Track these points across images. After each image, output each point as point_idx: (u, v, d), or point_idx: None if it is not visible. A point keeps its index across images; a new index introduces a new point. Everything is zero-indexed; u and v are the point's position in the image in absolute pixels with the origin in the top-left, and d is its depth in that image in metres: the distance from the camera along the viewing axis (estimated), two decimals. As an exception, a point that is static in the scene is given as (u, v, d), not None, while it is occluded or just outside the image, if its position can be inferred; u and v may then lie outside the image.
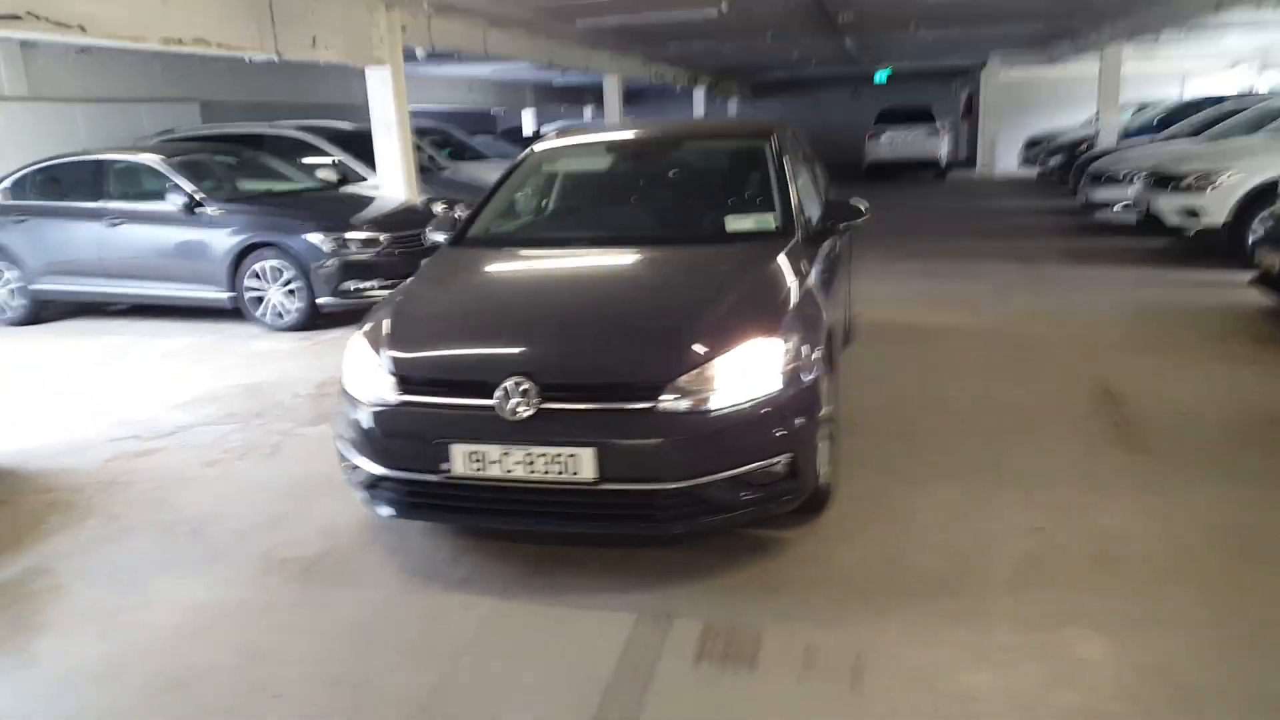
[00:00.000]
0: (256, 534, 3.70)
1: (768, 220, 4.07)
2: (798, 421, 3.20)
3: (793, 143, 4.84)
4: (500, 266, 4.03)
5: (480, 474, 3.08)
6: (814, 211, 4.47)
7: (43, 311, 8.22)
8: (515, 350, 3.24)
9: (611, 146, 4.90)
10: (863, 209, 4.37)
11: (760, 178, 4.37)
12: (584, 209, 4.76)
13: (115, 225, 7.73)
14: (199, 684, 2.72)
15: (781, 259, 3.76)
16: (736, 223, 4.10)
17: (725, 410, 3.05)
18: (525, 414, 3.02)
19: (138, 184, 7.88)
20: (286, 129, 10.44)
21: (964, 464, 4.12)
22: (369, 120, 9.14)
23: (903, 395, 5.16)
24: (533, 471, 3.04)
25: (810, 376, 3.28)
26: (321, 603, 3.16)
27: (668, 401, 3.01)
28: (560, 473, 3.02)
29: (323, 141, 10.19)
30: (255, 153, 9.01)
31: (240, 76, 12.71)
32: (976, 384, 5.31)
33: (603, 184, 4.85)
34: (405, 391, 3.23)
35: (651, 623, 2.93)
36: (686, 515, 3.09)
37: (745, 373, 3.12)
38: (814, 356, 3.33)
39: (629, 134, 4.99)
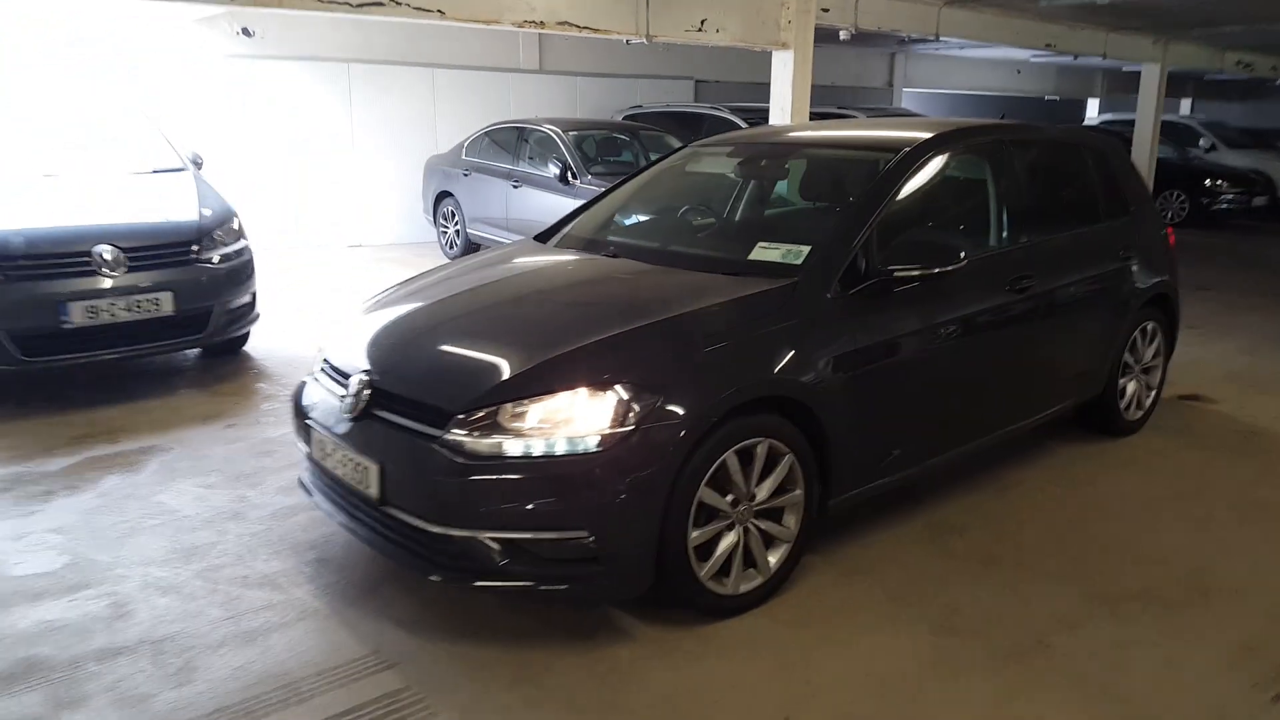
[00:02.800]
0: (275, 472, 4.16)
1: (797, 253, 3.27)
2: (618, 496, 2.63)
3: (962, 161, 3.76)
4: (499, 268, 3.80)
5: (322, 461, 3.12)
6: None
7: (476, 251, 9.87)
8: (377, 349, 3.16)
9: (736, 151, 4.28)
10: (960, 255, 3.25)
11: (845, 203, 3.50)
12: (661, 217, 4.26)
13: (517, 186, 8.91)
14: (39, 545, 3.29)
15: (741, 302, 3.04)
16: (764, 251, 3.37)
17: (513, 460, 2.64)
18: (354, 413, 2.97)
19: (541, 151, 8.93)
20: (723, 111, 10.84)
21: (983, 625, 2.92)
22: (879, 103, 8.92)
23: (1085, 518, 3.75)
24: (344, 473, 2.99)
25: (663, 447, 2.64)
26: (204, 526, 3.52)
27: (453, 435, 2.69)
28: (358, 482, 2.92)
29: (744, 123, 10.36)
30: (658, 131, 9.56)
31: (735, 57, 13.40)
32: (1221, 538, 3.61)
33: (703, 192, 4.31)
34: (321, 367, 3.38)
35: (365, 663, 2.72)
36: (458, 567, 2.75)
37: (556, 424, 2.66)
38: (681, 425, 2.66)
39: (764, 138, 4.30)
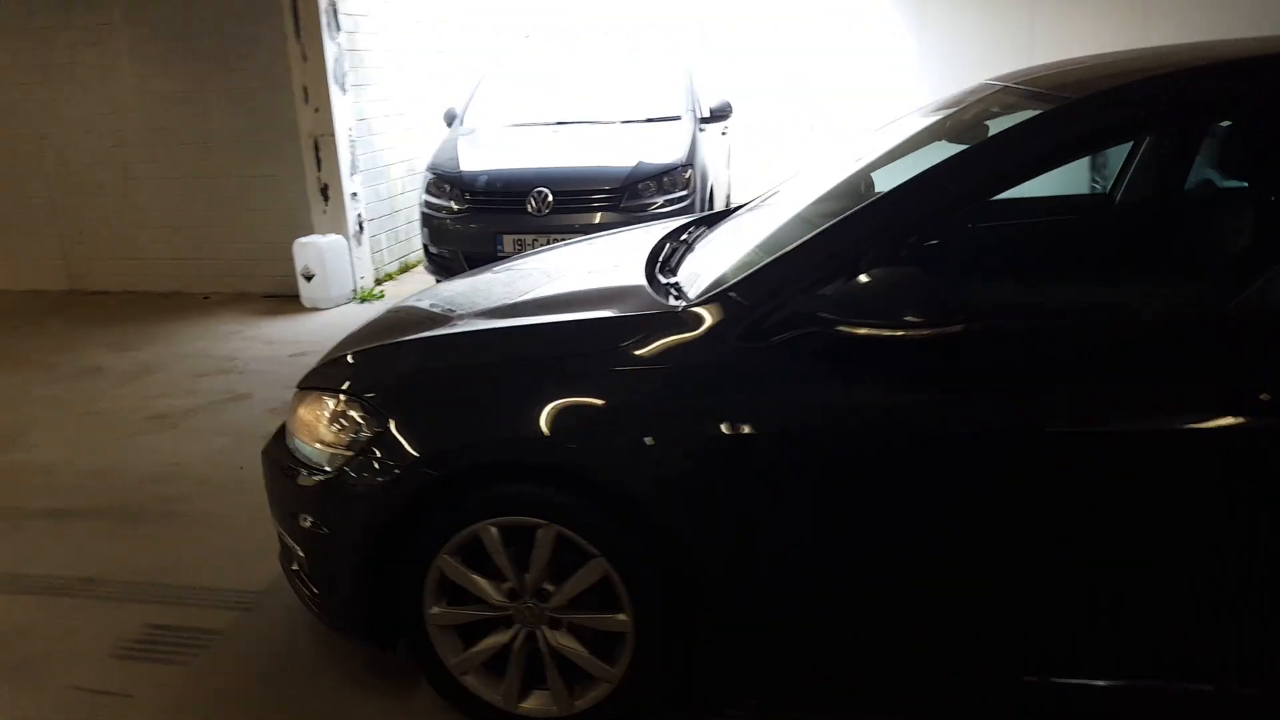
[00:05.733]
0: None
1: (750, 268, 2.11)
2: (316, 523, 2.29)
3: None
4: (628, 236, 3.19)
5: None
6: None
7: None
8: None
9: (958, 101, 2.65)
10: (943, 315, 1.71)
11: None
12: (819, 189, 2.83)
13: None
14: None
15: (589, 325, 2.19)
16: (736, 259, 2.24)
17: (291, 457, 2.42)
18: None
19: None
20: None
21: None
22: None
23: None
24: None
25: (370, 484, 2.15)
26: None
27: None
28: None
29: None
30: None
31: None
32: None
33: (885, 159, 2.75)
34: None
35: (236, 598, 2.89)
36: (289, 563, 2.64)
37: (301, 423, 2.39)
38: (396, 465, 2.13)
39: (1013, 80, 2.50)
